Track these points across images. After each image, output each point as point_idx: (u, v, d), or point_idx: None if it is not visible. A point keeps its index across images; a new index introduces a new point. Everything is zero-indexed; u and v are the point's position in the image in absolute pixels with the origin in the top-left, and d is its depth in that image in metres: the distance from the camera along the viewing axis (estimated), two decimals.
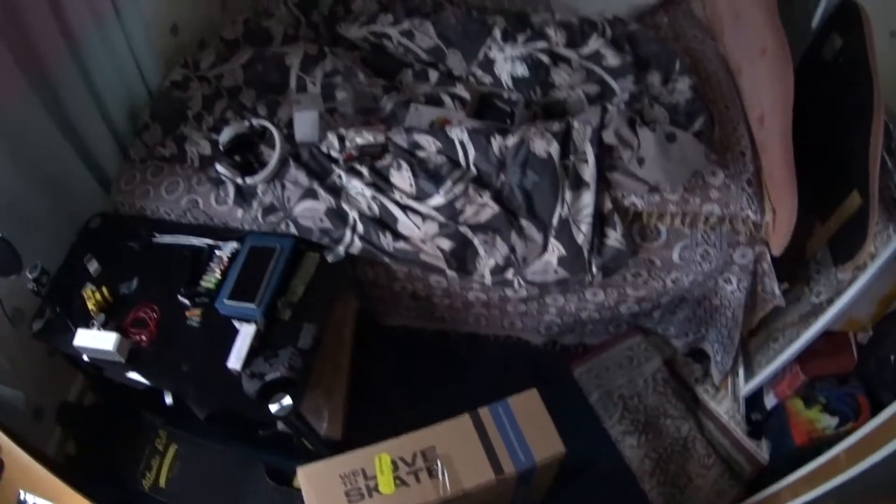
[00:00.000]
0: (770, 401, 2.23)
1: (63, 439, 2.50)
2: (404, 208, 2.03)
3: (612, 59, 2.28)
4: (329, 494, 1.60)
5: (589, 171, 2.03)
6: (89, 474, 2.39)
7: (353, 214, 2.05)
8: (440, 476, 1.60)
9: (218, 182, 2.21)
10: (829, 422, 1.95)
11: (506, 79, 2.32)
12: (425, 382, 2.34)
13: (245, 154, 2.19)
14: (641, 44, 2.37)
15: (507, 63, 2.31)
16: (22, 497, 1.53)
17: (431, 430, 1.67)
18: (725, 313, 2.21)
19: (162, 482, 2.30)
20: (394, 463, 1.62)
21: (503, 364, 2.39)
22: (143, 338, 2.06)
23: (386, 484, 1.60)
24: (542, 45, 2.31)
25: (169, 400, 2.15)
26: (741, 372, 2.29)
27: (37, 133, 2.10)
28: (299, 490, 2.11)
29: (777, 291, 2.07)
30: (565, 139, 2.06)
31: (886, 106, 1.81)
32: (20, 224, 2.10)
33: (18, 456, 1.60)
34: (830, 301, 1.88)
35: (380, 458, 1.63)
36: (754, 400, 2.28)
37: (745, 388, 2.25)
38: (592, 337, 2.38)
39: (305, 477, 1.64)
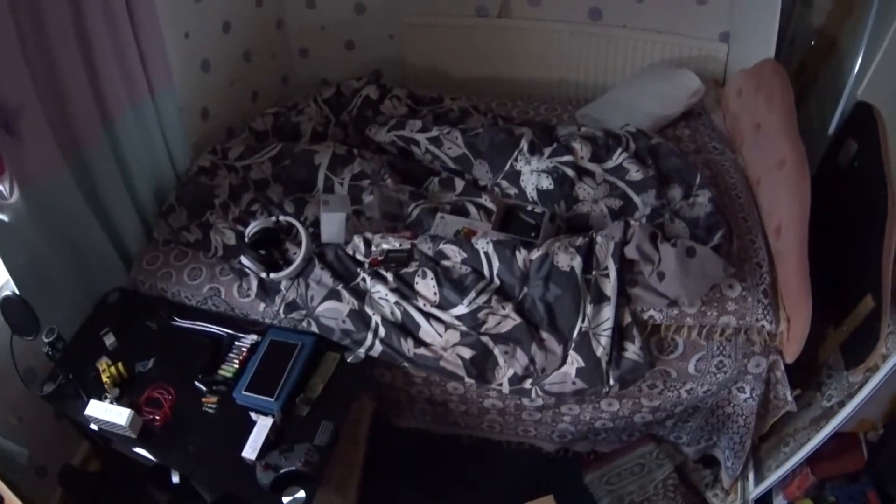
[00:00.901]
0: (780, 502, 2.23)
1: (64, 500, 2.49)
2: (427, 316, 2.05)
3: (635, 173, 2.33)
4: None
5: (610, 286, 2.06)
6: None
7: (376, 318, 2.07)
8: None
9: (241, 274, 2.23)
10: None
11: (530, 191, 2.37)
12: (436, 485, 2.34)
13: (270, 249, 2.23)
14: (663, 157, 2.42)
15: (533, 176, 2.36)
16: None
17: None
18: (738, 420, 2.22)
19: None
20: None
21: (514, 469, 2.39)
22: (157, 417, 2.07)
23: None
24: (567, 158, 2.37)
25: (176, 479, 2.15)
26: (751, 476, 2.30)
27: (66, 204, 2.16)
28: None
29: (789, 398, 2.09)
30: (588, 253, 2.09)
31: None
32: (41, 288, 2.14)
33: None
34: (842, 404, 1.89)
35: None
36: (762, 503, 2.29)
37: (755, 491, 2.25)
38: (605, 444, 2.39)
39: None
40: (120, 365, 2.16)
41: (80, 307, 2.37)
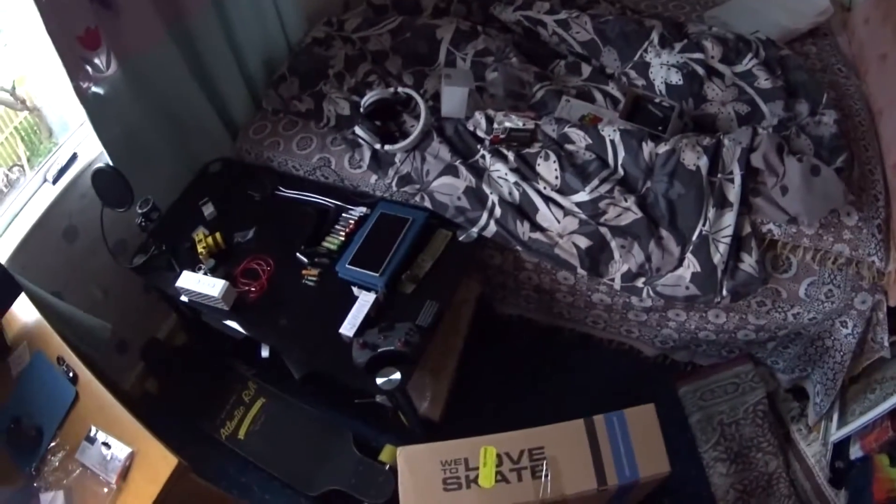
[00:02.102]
0: (855, 451, 2.18)
1: (144, 375, 2.51)
2: (547, 199, 2.00)
3: (764, 81, 2.24)
4: (426, 479, 1.58)
5: (734, 192, 1.99)
6: (166, 414, 2.38)
7: (493, 197, 2.02)
8: (543, 478, 1.56)
9: (354, 144, 2.18)
10: None
11: (659, 84, 2.28)
12: (532, 376, 2.32)
13: (386, 120, 2.18)
14: (792, 70, 2.32)
15: (663, 69, 2.27)
16: (92, 433, 1.51)
17: (543, 430, 1.63)
18: (835, 356, 2.16)
19: (241, 433, 2.30)
20: (499, 457, 1.58)
21: (612, 368, 2.36)
22: (253, 289, 2.05)
23: (486, 477, 1.56)
24: (698, 55, 2.27)
25: (265, 353, 2.14)
26: (835, 417, 2.24)
27: (168, 76, 2.12)
28: (384, 465, 2.12)
29: (886, 343, 2.02)
30: (715, 155, 2.02)
31: None
32: (137, 158, 2.11)
33: (96, 389, 1.59)
34: None
35: (486, 451, 1.59)
36: (840, 448, 2.24)
37: (836, 434, 2.19)
38: (704, 357, 2.34)
39: (405, 458, 1.61)
40: (217, 235, 2.13)
41: (180, 178, 2.35)
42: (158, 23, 2.02)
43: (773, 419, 2.33)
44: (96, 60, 1.90)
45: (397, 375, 1.80)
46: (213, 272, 2.09)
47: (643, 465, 1.60)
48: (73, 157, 2.14)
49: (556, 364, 2.35)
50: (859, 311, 2.04)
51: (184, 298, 2.07)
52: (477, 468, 1.57)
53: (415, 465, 1.60)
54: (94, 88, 1.92)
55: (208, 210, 2.24)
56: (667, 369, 2.38)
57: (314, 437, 2.25)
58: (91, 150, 2.14)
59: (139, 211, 2.07)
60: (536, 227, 2.01)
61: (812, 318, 2.09)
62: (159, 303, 2.40)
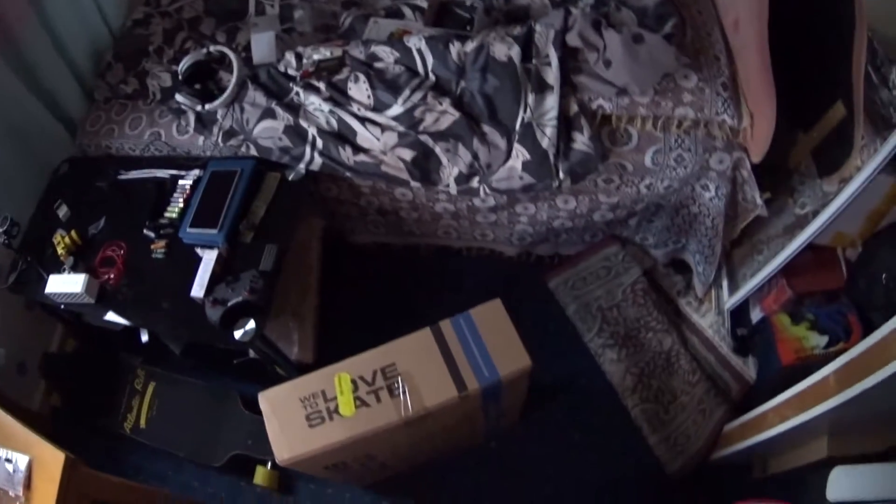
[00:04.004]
0: (756, 315, 2.16)
1: (48, 392, 2.50)
2: (363, 120, 1.99)
3: None
4: (290, 419, 1.54)
5: (552, 74, 1.98)
6: (74, 424, 2.39)
7: (311, 130, 2.01)
8: (401, 395, 1.52)
9: (179, 112, 2.18)
10: (817, 341, 1.86)
11: None
12: (398, 300, 2.31)
13: (205, 82, 2.17)
14: None
15: None
16: None
17: (391, 346, 1.59)
18: (705, 222, 2.15)
19: (142, 422, 2.29)
20: (353, 382, 1.54)
21: (477, 276, 2.35)
22: (112, 276, 2.04)
23: (346, 405, 1.53)
24: None
25: (145, 338, 2.14)
26: (725, 284, 2.22)
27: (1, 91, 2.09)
28: None
29: (759, 200, 2.00)
30: (527, 43, 2.01)
31: (869, 23, 1.70)
32: None
33: None
34: (816, 213, 1.79)
35: (339, 378, 1.56)
36: (740, 315, 2.21)
37: (730, 301, 2.18)
38: (568, 247, 2.33)
39: (267, 402, 1.57)
40: (73, 233, 2.13)
41: (35, 189, 2.34)
42: None
43: (657, 297, 2.32)
44: None
45: (252, 325, 1.80)
46: (75, 269, 2.08)
47: (500, 362, 1.55)
48: None
49: (421, 282, 2.34)
50: (719, 172, 2.03)
51: (60, 303, 2.08)
52: (335, 398, 1.54)
53: (277, 408, 1.56)
54: None
55: (63, 211, 2.24)
56: (533, 266, 2.36)
57: (206, 408, 2.25)
58: None
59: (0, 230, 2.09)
60: (359, 149, 2.00)
61: (668, 187, 2.08)
62: (44, 315, 2.40)
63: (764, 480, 1.93)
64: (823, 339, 1.86)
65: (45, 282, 2.04)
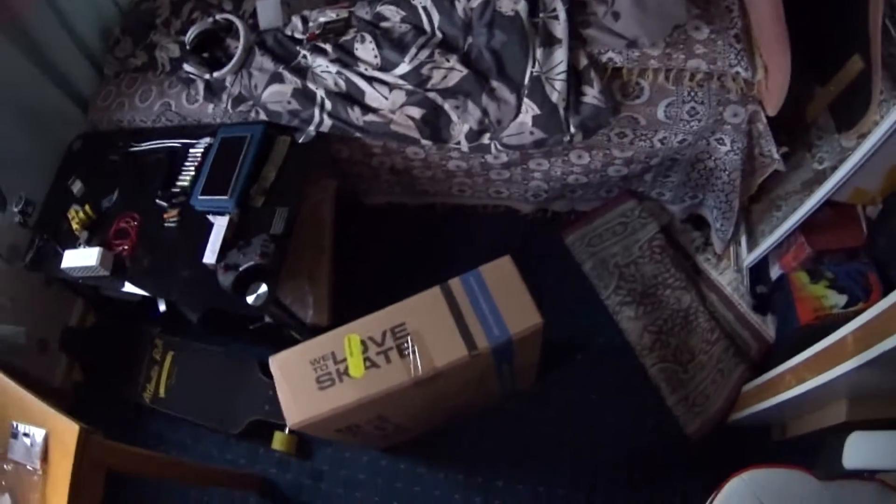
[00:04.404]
0: (775, 272, 2.12)
1: (69, 367, 2.53)
2: (370, 80, 1.98)
3: None
4: (301, 382, 1.53)
5: (560, 28, 1.95)
6: (95, 396, 2.42)
7: (319, 93, 2.01)
8: (410, 355, 1.50)
9: (188, 81, 2.19)
10: (836, 300, 1.82)
11: None
12: (414, 260, 2.31)
13: (213, 50, 2.18)
14: None
15: None
16: (14, 428, 1.53)
17: (400, 305, 1.56)
18: (721, 176, 2.11)
19: (162, 392, 2.31)
20: (363, 343, 1.52)
21: (493, 233, 2.33)
22: (126, 247, 2.06)
23: (356, 366, 1.51)
24: None
25: (162, 307, 2.15)
26: (744, 241, 2.18)
27: (11, 73, 2.14)
28: None
29: (776, 154, 1.95)
30: None
31: None
32: (1, 162, 2.13)
33: (6, 386, 1.61)
34: (834, 169, 1.75)
35: (349, 339, 1.53)
36: (760, 273, 2.17)
37: (749, 258, 2.14)
38: (584, 203, 2.30)
39: (277, 366, 1.57)
40: (87, 207, 2.15)
41: (50, 168, 2.37)
42: None
43: (676, 253, 2.28)
44: None
45: (264, 288, 1.80)
46: (89, 243, 2.11)
47: (511, 320, 1.52)
48: None
49: (437, 241, 2.33)
50: (734, 125, 1.99)
51: (77, 278, 2.10)
52: (345, 359, 1.52)
53: (287, 371, 1.55)
54: None
55: (77, 187, 2.26)
56: (549, 222, 2.34)
57: (225, 375, 2.27)
58: None
59: (15, 210, 2.11)
60: (368, 109, 1.99)
61: (682, 141, 2.04)
62: (63, 291, 2.43)
63: (782, 443, 1.90)
64: (842, 299, 1.82)
65: (61, 257, 2.07)
